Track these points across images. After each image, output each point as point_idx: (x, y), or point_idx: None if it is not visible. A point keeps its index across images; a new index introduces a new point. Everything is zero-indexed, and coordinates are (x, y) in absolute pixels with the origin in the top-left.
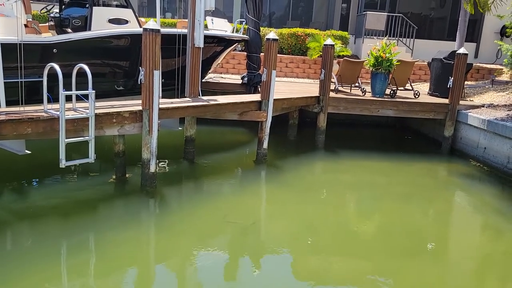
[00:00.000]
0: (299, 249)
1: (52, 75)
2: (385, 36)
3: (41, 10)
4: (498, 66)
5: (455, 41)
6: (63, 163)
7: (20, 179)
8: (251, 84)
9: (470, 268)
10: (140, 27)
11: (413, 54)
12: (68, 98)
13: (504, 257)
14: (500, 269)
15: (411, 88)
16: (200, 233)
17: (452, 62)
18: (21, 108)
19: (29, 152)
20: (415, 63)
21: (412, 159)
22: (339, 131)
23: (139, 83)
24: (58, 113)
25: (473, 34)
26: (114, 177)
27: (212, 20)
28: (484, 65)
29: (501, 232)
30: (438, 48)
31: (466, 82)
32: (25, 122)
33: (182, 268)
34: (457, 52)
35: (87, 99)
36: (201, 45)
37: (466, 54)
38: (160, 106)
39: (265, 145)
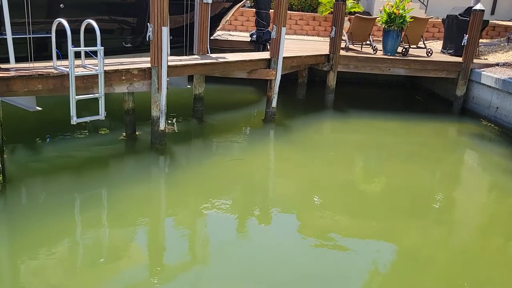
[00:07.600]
0: (305, 207)
1: (59, 32)
2: None
3: None
4: None
5: None
6: (74, 120)
7: (32, 136)
8: (260, 41)
9: (474, 228)
10: None
11: (427, 11)
12: (75, 55)
13: (509, 217)
14: (505, 229)
15: (423, 46)
16: (209, 190)
17: (468, 18)
18: (31, 65)
19: (40, 108)
20: (429, 20)
21: (422, 119)
22: (349, 90)
23: (147, 39)
24: (67, 69)
25: None
26: (124, 134)
27: None
28: (501, 22)
29: (508, 192)
30: (454, 5)
31: (480, 40)
32: (35, 78)
33: (191, 224)
34: (473, 8)
35: (95, 55)
36: (210, 1)
37: (483, 11)
38: (169, 63)
39: (274, 104)
